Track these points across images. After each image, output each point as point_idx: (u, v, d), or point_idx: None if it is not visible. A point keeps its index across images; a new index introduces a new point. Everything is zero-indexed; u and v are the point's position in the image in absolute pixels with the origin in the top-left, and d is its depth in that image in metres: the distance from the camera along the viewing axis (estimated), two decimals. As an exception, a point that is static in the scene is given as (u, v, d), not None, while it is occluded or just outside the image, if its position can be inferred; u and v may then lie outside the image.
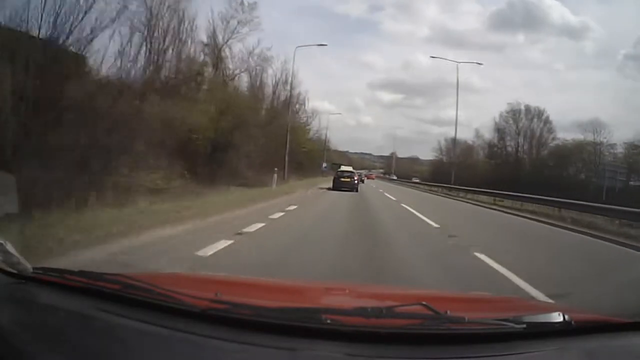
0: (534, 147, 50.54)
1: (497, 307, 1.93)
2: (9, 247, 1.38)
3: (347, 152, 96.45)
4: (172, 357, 1.13)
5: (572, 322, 1.26)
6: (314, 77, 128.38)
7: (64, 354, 1.12)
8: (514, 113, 51.61)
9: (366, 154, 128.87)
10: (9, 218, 4.35)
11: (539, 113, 50.25)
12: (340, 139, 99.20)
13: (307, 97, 49.00)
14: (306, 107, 46.94)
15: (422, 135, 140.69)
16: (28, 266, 1.42)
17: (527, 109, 50.82)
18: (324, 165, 50.20)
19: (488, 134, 55.18)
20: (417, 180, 57.76)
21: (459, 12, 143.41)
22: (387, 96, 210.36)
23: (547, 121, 49.92)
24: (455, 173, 38.21)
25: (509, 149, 52.19)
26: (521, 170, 45.61)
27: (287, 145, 29.40)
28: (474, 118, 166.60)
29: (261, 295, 1.85)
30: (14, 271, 1.41)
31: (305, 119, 47.46)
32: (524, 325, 1.23)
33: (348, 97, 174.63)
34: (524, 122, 51.01)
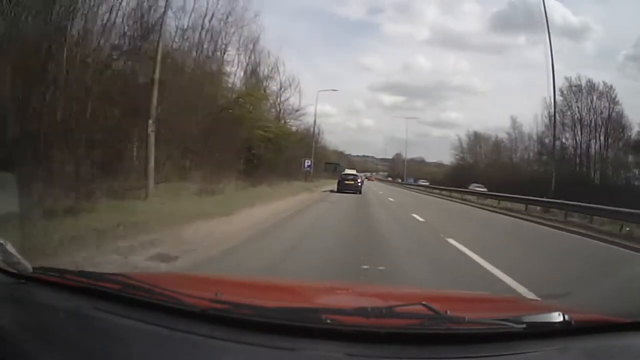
0: (605, 137, 34.91)
1: (497, 307, 1.93)
2: (9, 247, 1.38)
3: (349, 154, 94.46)
4: (172, 357, 1.12)
5: (572, 322, 1.26)
6: (314, 79, 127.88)
7: (64, 354, 1.13)
8: (573, 92, 35.39)
9: (368, 156, 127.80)
10: (9, 217, 4.34)
11: (608, 91, 34.27)
12: (342, 142, 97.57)
13: (282, 60, 34.92)
14: (280, 74, 33.06)
15: (422, 138, 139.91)
16: (28, 266, 1.42)
17: (590, 85, 34.88)
18: (307, 163, 34.29)
19: (527, 126, 42.43)
20: (483, 190, 33.16)
21: (459, 14, 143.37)
22: (387, 98, 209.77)
23: (615, 102, 34.36)
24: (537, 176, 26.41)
25: (564, 140, 36.18)
26: (589, 169, 33.99)
27: (155, 92, 11.44)
28: (474, 120, 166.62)
29: (261, 295, 1.85)
30: (14, 271, 1.41)
31: (278, 89, 32.59)
32: (524, 325, 1.23)
33: (349, 100, 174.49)
34: (586, 104, 35.25)
